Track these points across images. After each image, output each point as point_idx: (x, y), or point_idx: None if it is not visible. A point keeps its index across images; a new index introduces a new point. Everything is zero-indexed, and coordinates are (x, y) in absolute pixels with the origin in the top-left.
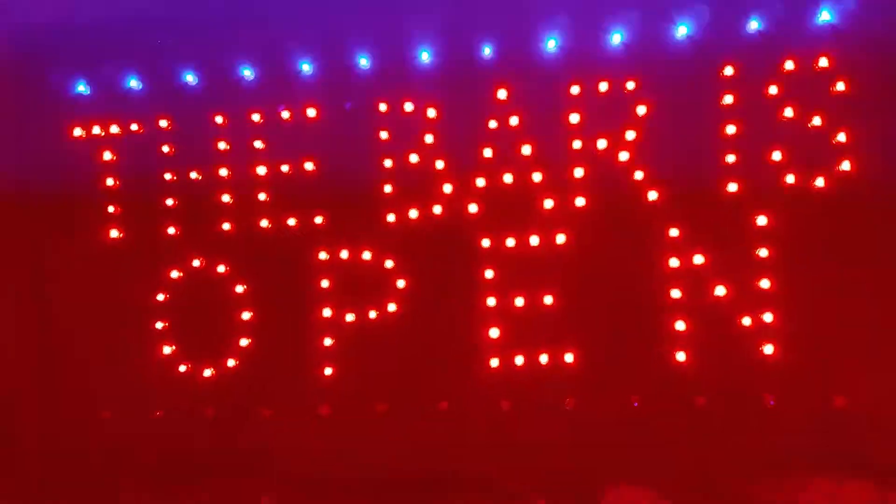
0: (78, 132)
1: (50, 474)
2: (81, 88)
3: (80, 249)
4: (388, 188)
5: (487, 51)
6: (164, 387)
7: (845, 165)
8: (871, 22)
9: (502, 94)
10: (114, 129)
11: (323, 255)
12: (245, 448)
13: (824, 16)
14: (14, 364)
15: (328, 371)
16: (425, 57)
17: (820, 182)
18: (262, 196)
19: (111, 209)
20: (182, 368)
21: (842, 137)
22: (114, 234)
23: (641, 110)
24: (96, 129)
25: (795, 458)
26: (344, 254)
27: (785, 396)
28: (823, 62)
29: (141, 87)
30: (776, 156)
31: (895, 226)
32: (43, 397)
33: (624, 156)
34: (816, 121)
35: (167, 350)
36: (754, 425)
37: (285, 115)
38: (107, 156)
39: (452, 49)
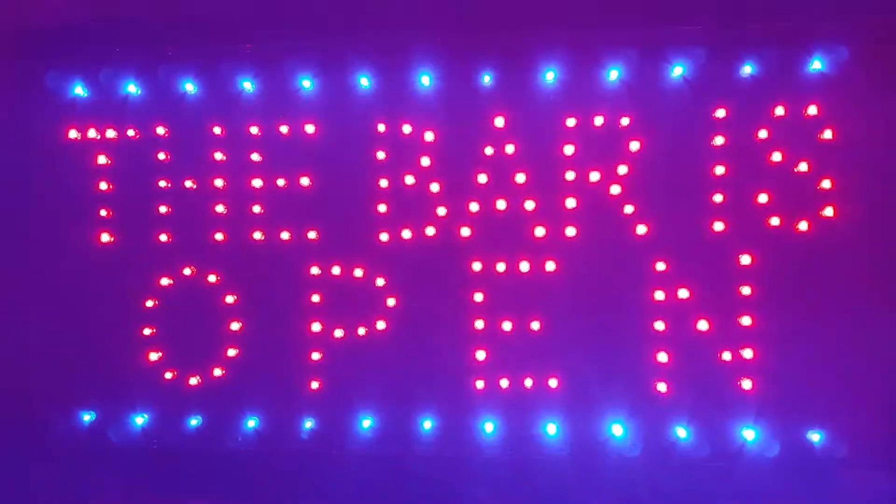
0: (73, 134)
1: (30, 477)
2: (79, 91)
3: (70, 252)
4: (382, 208)
5: (487, 79)
6: (149, 393)
7: (828, 211)
8: (860, 73)
9: (500, 122)
10: (110, 133)
11: (315, 270)
12: (228, 457)
13: (815, 65)
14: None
15: (314, 385)
16: (426, 81)
17: (803, 226)
18: (256, 209)
19: (104, 213)
20: (168, 375)
21: (826, 184)
22: (105, 238)
23: (634, 146)
24: (92, 133)
25: (767, 490)
26: (336, 270)
27: (760, 430)
28: (812, 110)
29: (139, 92)
30: (762, 198)
31: (871, 271)
32: (27, 398)
33: (615, 189)
34: (803, 167)
35: (154, 356)
36: (729, 456)
37: (283, 129)
38: (101, 160)
39: (453, 75)
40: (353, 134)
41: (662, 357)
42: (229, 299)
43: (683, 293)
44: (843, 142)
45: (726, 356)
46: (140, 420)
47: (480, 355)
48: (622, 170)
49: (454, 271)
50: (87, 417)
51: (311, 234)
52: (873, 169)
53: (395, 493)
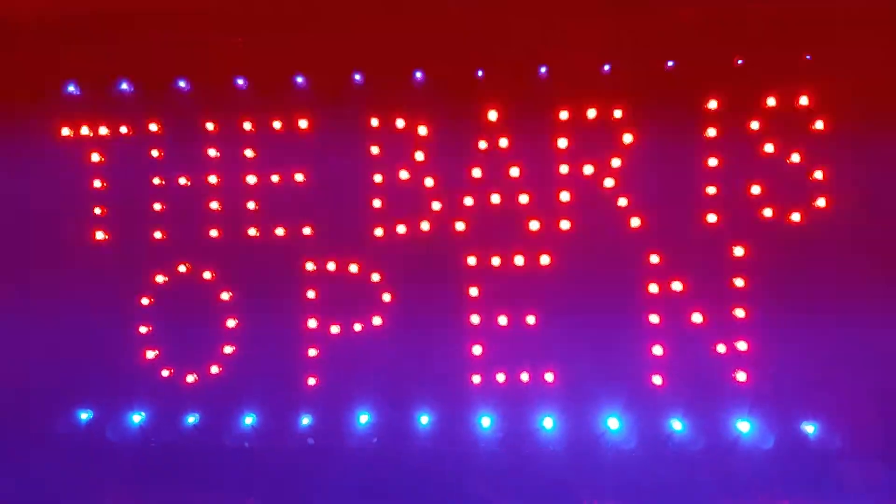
0: (66, 132)
1: (28, 475)
2: (71, 88)
3: (65, 250)
4: (377, 203)
5: (480, 72)
6: (146, 390)
7: (821, 202)
8: (852, 62)
9: (493, 115)
10: (103, 130)
11: (310, 266)
12: (226, 454)
13: (807, 55)
14: None
15: (311, 381)
16: (419, 75)
17: (796, 217)
18: (251, 205)
19: (97, 211)
20: (165, 373)
21: (819, 175)
22: (100, 235)
23: (627, 138)
24: (85, 130)
25: (762, 481)
26: (331, 266)
27: (755, 423)
28: (804, 100)
29: (132, 89)
30: (755, 189)
31: (865, 262)
32: (24, 397)
33: (609, 182)
34: (795, 157)
35: (150, 354)
36: (724, 449)
37: (277, 125)
38: (95, 157)
39: (445, 68)
40: (347, 128)
41: (657, 350)
42: (225, 296)
43: (677, 286)
44: (836, 132)
45: (721, 349)
46: (137, 418)
47: (477, 350)
48: (616, 162)
49: (449, 266)
50: (84, 416)
51: (306, 230)
52: (866, 159)
53: (392, 488)
